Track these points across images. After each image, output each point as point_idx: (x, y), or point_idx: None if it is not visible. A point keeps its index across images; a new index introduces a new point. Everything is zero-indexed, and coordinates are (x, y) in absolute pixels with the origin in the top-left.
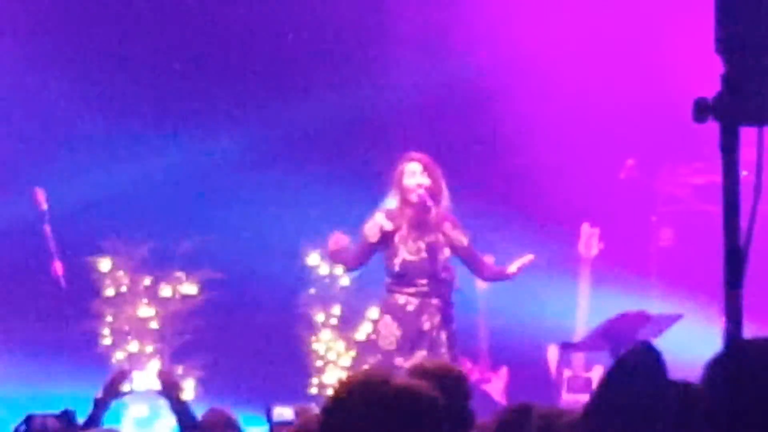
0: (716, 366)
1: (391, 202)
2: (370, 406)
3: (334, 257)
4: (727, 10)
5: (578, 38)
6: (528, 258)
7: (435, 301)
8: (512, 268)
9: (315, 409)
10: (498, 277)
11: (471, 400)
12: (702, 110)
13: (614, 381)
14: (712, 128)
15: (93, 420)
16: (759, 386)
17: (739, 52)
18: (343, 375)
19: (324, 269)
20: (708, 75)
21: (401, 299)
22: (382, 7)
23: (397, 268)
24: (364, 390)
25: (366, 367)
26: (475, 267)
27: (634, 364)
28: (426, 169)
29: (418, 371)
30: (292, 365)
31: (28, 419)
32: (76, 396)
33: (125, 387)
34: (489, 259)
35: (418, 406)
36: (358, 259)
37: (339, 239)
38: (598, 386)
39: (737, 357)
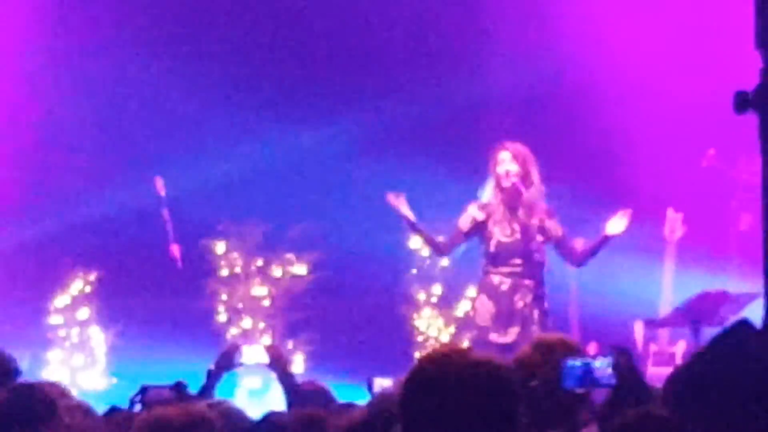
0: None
1: (488, 189)
2: (446, 378)
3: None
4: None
5: (660, 41)
6: (624, 216)
7: (527, 281)
8: (611, 229)
9: None
10: (592, 253)
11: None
12: (742, 102)
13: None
14: None
15: (206, 391)
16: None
17: None
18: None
19: (425, 252)
20: None
21: (496, 279)
22: (480, 9)
23: (492, 249)
24: (441, 363)
25: (464, 342)
26: (567, 255)
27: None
28: (515, 156)
29: (541, 345)
30: (395, 341)
31: (143, 390)
32: (192, 369)
33: (236, 360)
34: (579, 242)
35: (493, 381)
36: (449, 246)
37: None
38: (693, 358)
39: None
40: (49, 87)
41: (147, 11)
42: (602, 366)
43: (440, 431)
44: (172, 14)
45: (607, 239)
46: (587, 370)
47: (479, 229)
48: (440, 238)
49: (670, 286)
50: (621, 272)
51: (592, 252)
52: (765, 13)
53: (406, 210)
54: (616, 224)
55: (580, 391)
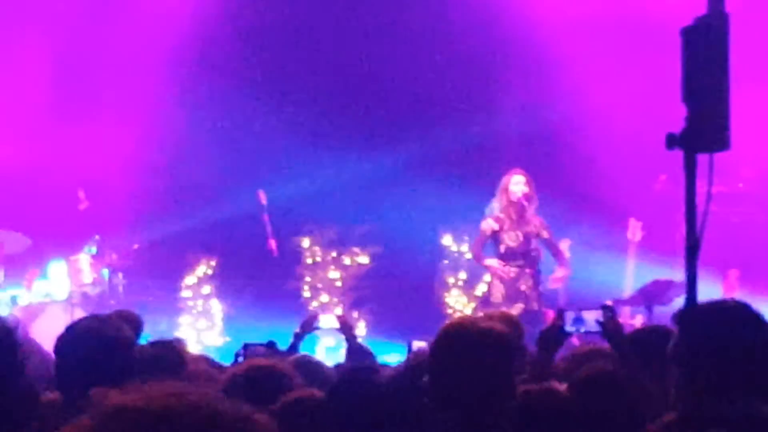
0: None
1: (497, 203)
2: (463, 340)
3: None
4: (690, 76)
5: (628, 90)
6: (561, 273)
7: (528, 270)
8: (550, 284)
9: None
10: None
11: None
12: (671, 141)
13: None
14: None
15: (293, 348)
16: (705, 330)
17: (697, 104)
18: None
19: (454, 247)
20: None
21: (505, 270)
22: (500, 62)
23: (502, 250)
24: (459, 328)
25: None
26: (552, 253)
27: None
28: (527, 180)
29: (491, 316)
30: (431, 312)
31: (245, 347)
32: (285, 332)
33: (316, 325)
34: (565, 243)
35: (497, 340)
36: (477, 249)
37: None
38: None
39: (692, 312)
40: (183, 124)
41: (254, 69)
42: (592, 315)
43: (458, 379)
44: (274, 70)
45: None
46: (578, 318)
47: (495, 235)
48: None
49: (632, 276)
50: (596, 264)
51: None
52: (687, 76)
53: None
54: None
55: (572, 331)
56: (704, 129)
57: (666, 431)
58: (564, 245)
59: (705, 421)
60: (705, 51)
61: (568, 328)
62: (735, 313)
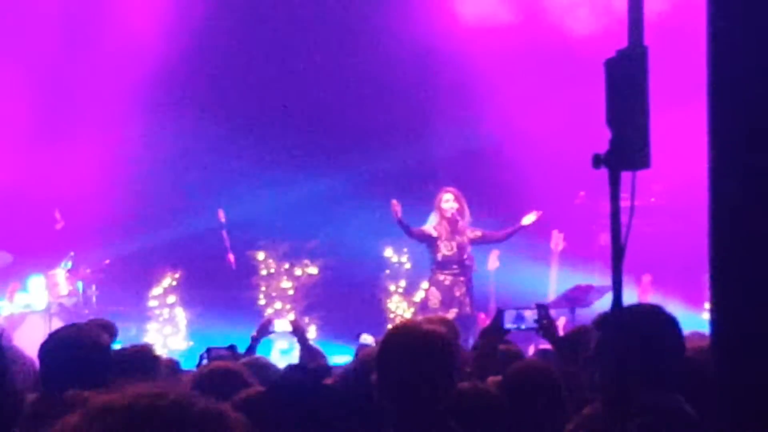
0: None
1: (433, 217)
2: (408, 341)
3: (399, 221)
4: (613, 102)
5: (548, 111)
6: (535, 214)
7: (462, 278)
8: (525, 221)
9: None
10: (512, 232)
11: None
12: (597, 161)
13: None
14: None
15: (250, 350)
16: (625, 330)
17: (620, 127)
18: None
19: (395, 258)
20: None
21: (441, 277)
22: (434, 90)
23: (439, 258)
24: (404, 331)
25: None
26: (493, 241)
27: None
28: (456, 197)
29: (431, 320)
30: (375, 317)
31: (208, 350)
32: (243, 336)
33: (270, 330)
34: (494, 253)
35: (439, 342)
36: (414, 233)
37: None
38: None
39: (618, 313)
40: (148, 148)
41: (214, 97)
42: (529, 314)
43: (403, 377)
44: (232, 99)
45: (521, 227)
46: (518, 315)
47: (430, 240)
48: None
49: (555, 281)
50: (523, 272)
51: (510, 234)
52: (610, 102)
53: (398, 211)
54: (529, 218)
55: (512, 328)
56: (626, 149)
57: (588, 421)
58: (493, 256)
59: (624, 411)
60: (626, 80)
61: (508, 325)
62: (651, 315)
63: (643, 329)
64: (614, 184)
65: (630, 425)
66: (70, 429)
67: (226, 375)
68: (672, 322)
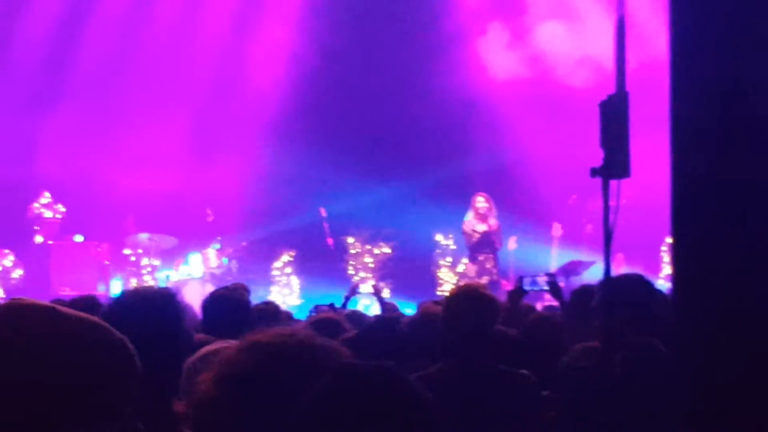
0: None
1: (470, 213)
2: (470, 297)
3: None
4: (605, 130)
5: (551, 138)
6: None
7: (491, 255)
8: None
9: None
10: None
11: None
12: (594, 172)
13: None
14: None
15: (343, 306)
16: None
17: (610, 148)
18: (451, 288)
19: (443, 241)
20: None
21: (476, 255)
22: (468, 121)
23: (474, 242)
24: (467, 291)
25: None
26: (497, 244)
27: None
28: (486, 199)
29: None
30: (429, 283)
31: (315, 307)
32: (337, 295)
33: (358, 291)
34: (513, 239)
35: (490, 299)
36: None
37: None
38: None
39: (609, 280)
40: (273, 162)
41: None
42: (541, 280)
43: (465, 323)
44: (330, 128)
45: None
46: (533, 281)
47: (470, 234)
48: None
49: (555, 258)
50: (533, 251)
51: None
52: (603, 130)
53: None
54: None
55: (529, 290)
56: (614, 164)
57: (581, 353)
58: (512, 240)
59: (615, 347)
60: (614, 116)
61: (526, 287)
62: (632, 280)
63: (628, 291)
64: (605, 188)
65: (616, 355)
66: (228, 357)
67: (329, 322)
68: (647, 285)
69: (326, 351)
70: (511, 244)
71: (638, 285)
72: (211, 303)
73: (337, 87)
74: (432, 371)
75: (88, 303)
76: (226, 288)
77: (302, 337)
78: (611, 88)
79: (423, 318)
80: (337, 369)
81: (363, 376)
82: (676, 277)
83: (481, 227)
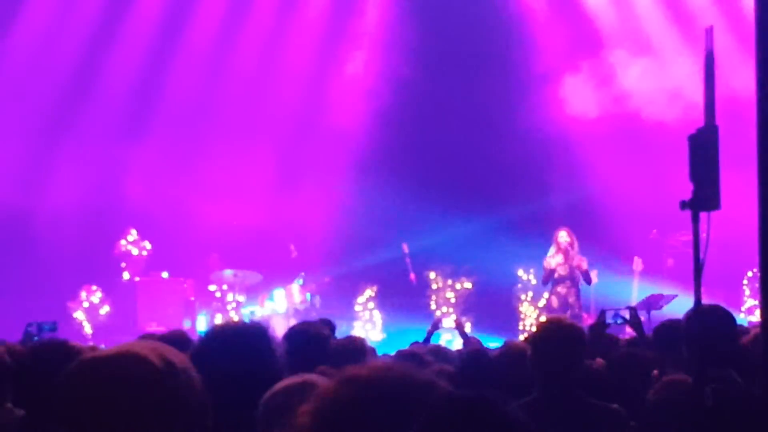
0: (689, 316)
1: (552, 248)
2: (559, 330)
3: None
4: (694, 163)
5: (631, 174)
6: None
7: (573, 289)
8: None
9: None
10: (588, 278)
11: None
12: (684, 205)
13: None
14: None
15: (426, 341)
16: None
17: (699, 181)
18: (534, 322)
19: (525, 276)
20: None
21: (559, 288)
22: (549, 157)
23: (556, 277)
24: (556, 323)
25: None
26: (584, 280)
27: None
28: (568, 233)
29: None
30: (510, 317)
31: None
32: (420, 330)
33: (440, 326)
34: (595, 272)
35: (580, 333)
36: (546, 279)
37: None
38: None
39: (697, 312)
40: (355, 197)
41: (398, 160)
42: (623, 313)
43: (553, 355)
44: (411, 162)
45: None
46: (615, 314)
47: (552, 269)
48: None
49: (636, 291)
50: (613, 285)
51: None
52: (692, 163)
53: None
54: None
55: (612, 322)
56: (704, 196)
57: (668, 385)
58: (593, 273)
59: (706, 380)
60: (704, 149)
61: (608, 321)
62: (717, 313)
63: (714, 324)
64: (695, 220)
65: (707, 389)
66: (325, 392)
67: (413, 356)
68: (731, 319)
69: (425, 384)
70: (592, 278)
71: (723, 318)
72: (290, 337)
73: (421, 123)
74: (522, 404)
75: (179, 338)
76: (306, 323)
77: (401, 371)
78: (695, 123)
79: (509, 352)
80: (441, 399)
81: (468, 406)
82: (765, 312)
83: (564, 261)
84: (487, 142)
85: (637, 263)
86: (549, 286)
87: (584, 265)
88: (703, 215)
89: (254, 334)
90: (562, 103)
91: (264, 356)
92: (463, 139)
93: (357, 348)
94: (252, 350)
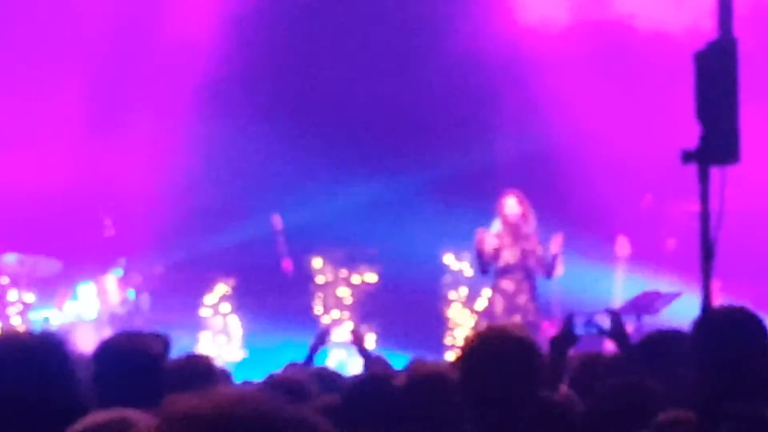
0: (697, 324)
1: (496, 223)
2: (499, 346)
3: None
4: (703, 96)
5: (615, 115)
6: (558, 238)
7: (525, 285)
8: (553, 248)
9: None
10: (553, 264)
11: None
12: (687, 157)
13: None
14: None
15: (308, 361)
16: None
17: (710, 121)
18: (468, 333)
19: (455, 265)
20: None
21: (504, 284)
22: (496, 89)
23: (502, 266)
24: (495, 335)
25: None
26: (542, 270)
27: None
28: (518, 201)
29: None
30: (435, 326)
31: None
32: (299, 346)
33: (328, 339)
34: (557, 238)
35: (530, 349)
36: (484, 266)
37: (483, 235)
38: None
39: (708, 318)
40: (201, 152)
41: (270, 97)
42: (600, 320)
43: (491, 382)
44: (287, 98)
45: (556, 255)
46: (589, 321)
47: (495, 252)
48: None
49: (621, 288)
50: (587, 278)
51: (553, 264)
52: (700, 96)
53: (484, 241)
54: (556, 243)
55: (583, 333)
56: (717, 144)
57: (679, 426)
58: (558, 260)
59: (720, 418)
60: (717, 73)
61: (578, 331)
62: (741, 319)
63: (733, 334)
64: (704, 180)
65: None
66: None
67: (288, 385)
68: (761, 326)
69: (295, 426)
70: (557, 268)
71: (746, 325)
72: (102, 355)
73: (304, 40)
74: None
75: None
76: (125, 333)
77: (260, 407)
78: (706, 36)
79: (419, 378)
80: None
81: None
82: None
83: (511, 243)
84: (402, 70)
85: (622, 245)
86: (490, 278)
87: (549, 249)
88: (715, 172)
89: (45, 350)
90: (512, 11)
91: (59, 383)
92: (366, 66)
93: (201, 372)
94: (41, 374)
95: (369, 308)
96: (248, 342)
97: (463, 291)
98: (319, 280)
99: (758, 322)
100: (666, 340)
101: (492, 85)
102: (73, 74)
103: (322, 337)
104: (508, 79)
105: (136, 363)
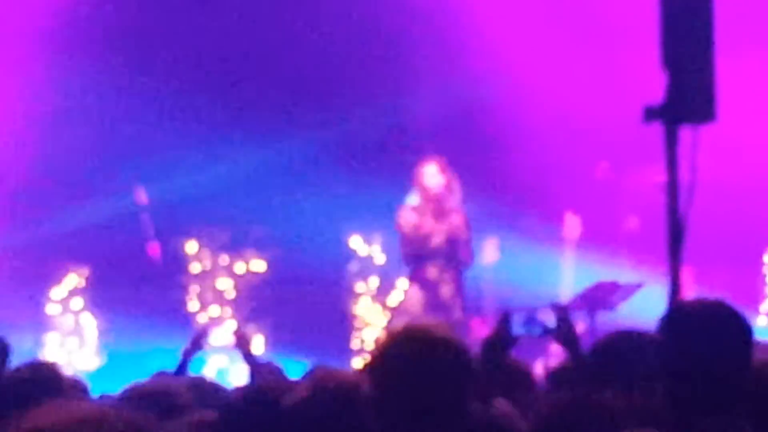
0: (664, 322)
1: (414, 197)
2: (417, 350)
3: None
4: (670, 40)
5: (560, 65)
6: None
7: (451, 275)
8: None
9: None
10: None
11: None
12: (650, 114)
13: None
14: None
15: (181, 369)
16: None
17: (679, 71)
18: (379, 334)
19: (364, 250)
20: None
21: (424, 273)
22: (402, 45)
23: (419, 250)
24: (412, 337)
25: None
26: (463, 252)
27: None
28: (441, 169)
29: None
30: (338, 325)
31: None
32: (168, 349)
33: (205, 343)
34: (492, 241)
35: (457, 353)
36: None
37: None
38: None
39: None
40: (49, 109)
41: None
42: (543, 317)
43: (408, 394)
44: (156, 47)
45: None
46: (529, 318)
47: (418, 238)
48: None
49: (570, 277)
50: (529, 265)
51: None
52: (666, 40)
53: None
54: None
55: (523, 334)
56: (688, 98)
57: None
58: (491, 245)
59: None
60: (687, 15)
61: (516, 331)
62: (713, 315)
63: (710, 333)
64: (672, 141)
65: None
66: None
67: (156, 398)
68: (741, 323)
69: None
70: (489, 253)
71: (725, 324)
72: None
73: None
74: None
75: None
76: None
77: (113, 426)
78: None
79: (322, 390)
80: None
81: None
82: None
83: (433, 221)
84: (298, 15)
85: (572, 225)
86: (409, 267)
87: (466, 234)
88: (685, 133)
89: None
90: None
91: None
92: (256, 9)
93: (46, 381)
94: None
95: (257, 304)
96: (106, 346)
97: (374, 282)
98: (194, 268)
99: (738, 318)
100: (625, 342)
101: (406, 27)
102: None
103: (197, 340)
104: (426, 20)
105: None
